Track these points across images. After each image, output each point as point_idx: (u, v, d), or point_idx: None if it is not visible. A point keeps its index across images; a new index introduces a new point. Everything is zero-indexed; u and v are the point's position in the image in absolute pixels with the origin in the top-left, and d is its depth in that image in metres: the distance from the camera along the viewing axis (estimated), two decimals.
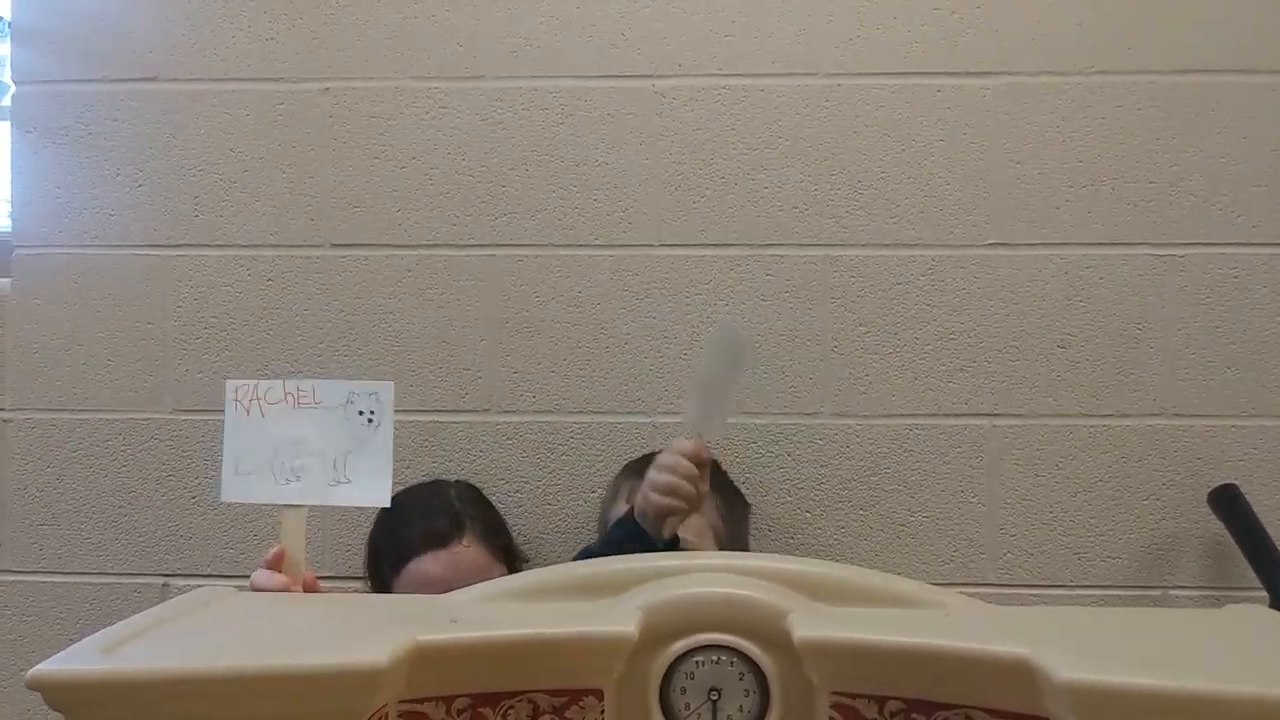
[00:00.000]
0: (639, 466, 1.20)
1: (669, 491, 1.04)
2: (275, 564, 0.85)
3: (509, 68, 1.39)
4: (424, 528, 1.18)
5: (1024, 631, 0.63)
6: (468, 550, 1.16)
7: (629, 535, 1.07)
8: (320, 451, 0.85)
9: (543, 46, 1.39)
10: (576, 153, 1.38)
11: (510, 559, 1.24)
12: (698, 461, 1.05)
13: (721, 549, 1.18)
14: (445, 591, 0.90)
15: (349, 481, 0.85)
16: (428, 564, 1.15)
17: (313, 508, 0.86)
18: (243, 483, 0.86)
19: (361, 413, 0.86)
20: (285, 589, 0.83)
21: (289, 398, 0.86)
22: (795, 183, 1.37)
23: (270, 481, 0.85)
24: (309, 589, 0.85)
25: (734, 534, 1.25)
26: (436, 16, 1.39)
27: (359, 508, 0.95)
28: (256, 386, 0.87)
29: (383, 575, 1.22)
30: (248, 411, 0.86)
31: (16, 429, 1.41)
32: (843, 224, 1.37)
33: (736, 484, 1.32)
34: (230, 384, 0.87)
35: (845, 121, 1.37)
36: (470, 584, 0.99)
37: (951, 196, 1.36)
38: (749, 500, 1.33)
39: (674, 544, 1.10)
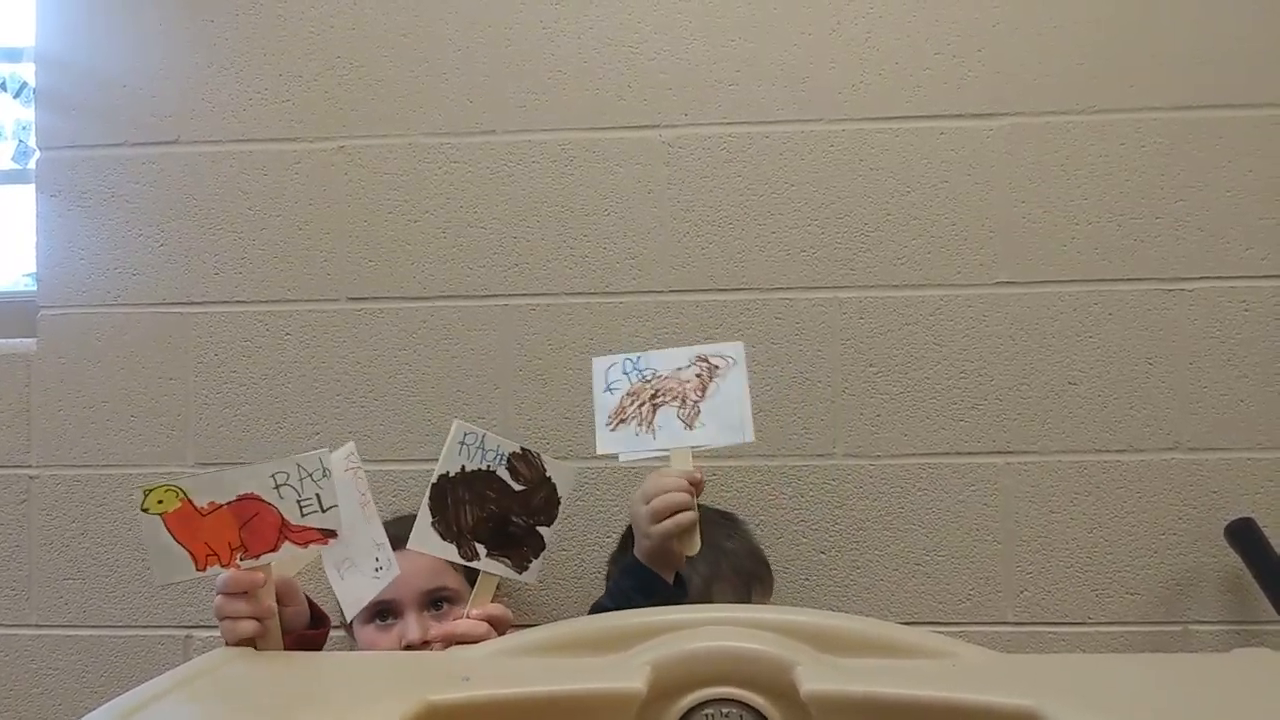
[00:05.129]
0: None
1: (668, 511, 1.05)
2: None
3: (518, 122, 1.42)
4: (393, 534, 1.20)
5: (1032, 682, 0.64)
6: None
7: (638, 583, 1.07)
8: None
9: (551, 100, 1.42)
10: (586, 203, 1.41)
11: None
12: (689, 480, 1.07)
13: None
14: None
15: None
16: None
17: None
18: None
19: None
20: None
21: None
22: (802, 227, 1.39)
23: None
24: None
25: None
26: (447, 75, 1.43)
27: None
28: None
29: None
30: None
31: (42, 485, 1.44)
32: (850, 266, 1.38)
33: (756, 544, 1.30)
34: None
35: (850, 165, 1.39)
36: (424, 577, 1.15)
37: (957, 236, 1.37)
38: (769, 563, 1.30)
39: (679, 583, 1.11)
